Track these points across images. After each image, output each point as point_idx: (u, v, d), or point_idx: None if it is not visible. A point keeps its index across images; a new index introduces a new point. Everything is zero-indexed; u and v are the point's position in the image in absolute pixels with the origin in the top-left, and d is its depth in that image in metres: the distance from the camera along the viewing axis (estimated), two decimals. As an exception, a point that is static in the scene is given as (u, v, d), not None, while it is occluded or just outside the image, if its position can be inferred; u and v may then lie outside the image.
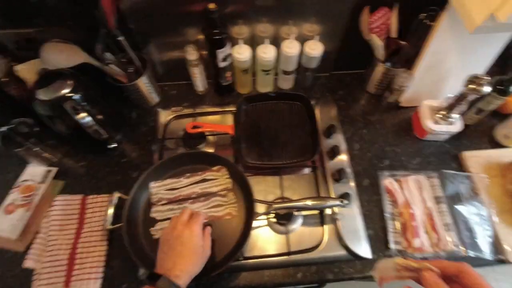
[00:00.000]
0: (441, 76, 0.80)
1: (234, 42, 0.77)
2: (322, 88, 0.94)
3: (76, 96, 0.67)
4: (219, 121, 0.85)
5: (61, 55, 0.70)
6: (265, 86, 0.90)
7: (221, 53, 0.74)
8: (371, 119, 0.88)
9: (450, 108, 0.76)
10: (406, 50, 0.81)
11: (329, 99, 0.89)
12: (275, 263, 0.68)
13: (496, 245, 0.70)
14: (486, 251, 0.68)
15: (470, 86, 0.68)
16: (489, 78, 0.67)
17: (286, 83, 0.91)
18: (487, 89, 0.67)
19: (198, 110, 0.87)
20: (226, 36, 0.72)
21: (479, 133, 0.86)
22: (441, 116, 0.78)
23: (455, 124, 0.79)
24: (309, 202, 0.64)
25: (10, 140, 0.72)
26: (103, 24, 0.64)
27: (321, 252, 0.68)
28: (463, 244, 0.69)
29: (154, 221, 0.68)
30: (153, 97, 0.88)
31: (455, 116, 0.78)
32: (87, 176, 0.79)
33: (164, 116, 0.86)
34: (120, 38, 0.70)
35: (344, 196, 0.72)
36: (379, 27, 0.74)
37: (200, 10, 0.67)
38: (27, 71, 0.73)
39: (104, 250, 0.68)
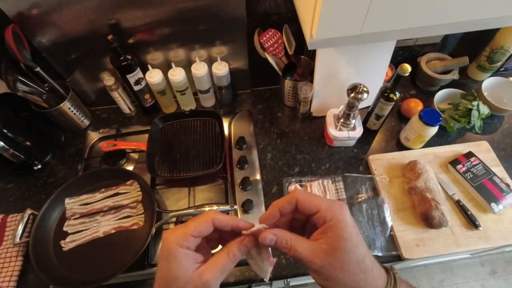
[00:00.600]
0: (341, 86, 0.86)
1: (147, 68, 0.85)
2: (243, 103, 1.01)
3: (-7, 123, 0.74)
4: (143, 140, 0.92)
5: (-18, 87, 0.77)
6: (187, 105, 0.97)
7: (131, 78, 0.82)
8: (285, 130, 0.94)
9: (344, 115, 0.82)
10: (306, 63, 0.88)
11: (245, 114, 0.96)
12: (180, 270, 0.71)
13: (392, 242, 0.74)
14: (379, 248, 0.72)
15: (351, 94, 0.74)
16: (365, 86, 0.73)
17: (208, 101, 0.98)
18: (365, 96, 0.73)
19: (124, 130, 0.94)
20: (133, 62, 0.80)
21: (389, 137, 0.92)
22: (341, 123, 0.84)
23: (356, 130, 0.85)
24: (192, 211, 0.69)
25: None
26: (12, 59, 0.72)
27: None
28: (358, 242, 0.73)
29: (66, 234, 0.73)
30: (83, 121, 0.94)
31: (353, 122, 0.84)
32: (13, 196, 0.84)
33: (92, 137, 0.93)
34: (37, 69, 0.78)
35: (246, 203, 0.77)
36: (272, 46, 0.82)
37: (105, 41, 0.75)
38: (-45, 103, 0.81)
39: (19, 265, 0.72)
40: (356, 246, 0.30)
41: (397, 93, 0.77)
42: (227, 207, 0.70)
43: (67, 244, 0.72)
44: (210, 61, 0.89)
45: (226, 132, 0.91)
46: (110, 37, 0.73)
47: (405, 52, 0.98)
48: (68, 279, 0.67)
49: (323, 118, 0.95)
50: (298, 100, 0.91)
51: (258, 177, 0.84)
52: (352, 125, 0.85)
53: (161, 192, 0.82)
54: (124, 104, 0.93)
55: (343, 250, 0.30)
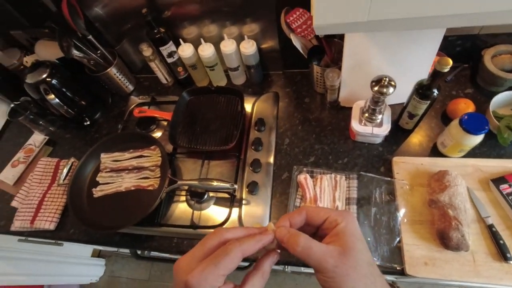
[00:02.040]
0: (372, 77, 0.78)
1: (180, 41, 0.89)
2: (272, 84, 0.99)
3: (53, 81, 0.87)
4: (171, 111, 0.98)
5: (49, 50, 0.92)
6: (218, 80, 0.99)
7: (164, 50, 0.87)
8: (309, 117, 0.91)
9: (369, 110, 0.75)
10: (339, 47, 0.82)
11: (271, 96, 0.94)
12: (183, 234, 0.79)
13: (398, 254, 0.68)
14: (379, 255, 0.67)
15: (375, 88, 0.67)
16: (392, 79, 0.65)
17: (238, 79, 0.99)
18: (391, 90, 0.65)
19: (159, 99, 1.02)
20: (166, 35, 0.84)
21: (425, 140, 0.82)
22: (366, 117, 0.77)
23: (382, 126, 0.77)
24: (196, 182, 0.73)
25: (17, 113, 0.98)
26: (69, 27, 0.83)
27: (222, 230, 0.76)
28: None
29: (97, 184, 0.85)
30: (128, 86, 1.05)
31: (380, 117, 0.76)
32: (68, 145, 1.01)
33: (132, 102, 1.04)
34: (89, 37, 0.89)
35: (251, 184, 0.78)
36: (300, 27, 0.77)
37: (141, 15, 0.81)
38: (30, 62, 0.98)
39: (63, 202, 0.88)
40: (367, 250, 0.31)
41: (434, 90, 0.66)
42: (227, 185, 0.72)
43: (97, 192, 0.84)
44: (241, 39, 0.89)
45: (248, 111, 0.92)
46: (144, 10, 0.78)
47: (466, 42, 0.82)
48: (92, 221, 0.79)
49: (350, 109, 0.88)
50: (325, 87, 0.85)
51: (271, 160, 0.84)
52: (378, 121, 0.77)
53: (180, 160, 0.89)
54: (161, 74, 1.00)
55: (357, 250, 0.30)
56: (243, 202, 0.78)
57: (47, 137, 1.02)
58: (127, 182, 0.84)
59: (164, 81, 1.04)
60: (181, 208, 0.82)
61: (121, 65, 1.00)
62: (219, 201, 0.81)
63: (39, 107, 0.99)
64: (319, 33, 0.49)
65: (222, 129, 0.88)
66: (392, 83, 0.66)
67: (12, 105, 0.96)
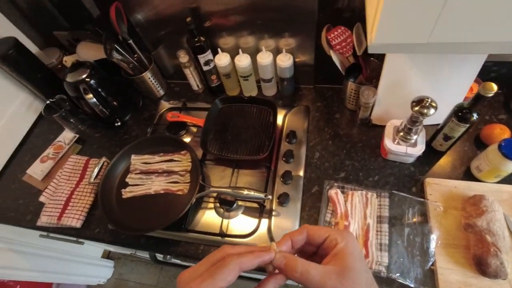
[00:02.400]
0: (409, 97, 0.79)
1: (217, 51, 0.91)
2: (302, 98, 1.00)
3: (91, 81, 0.90)
4: (203, 116, 1.00)
5: (90, 52, 0.95)
6: (249, 91, 1.01)
7: (202, 58, 0.89)
8: (340, 132, 0.91)
9: (405, 129, 0.75)
10: (375, 66, 0.83)
11: (302, 109, 0.95)
12: (209, 241, 0.78)
13: (431, 277, 0.67)
14: (413, 278, 0.66)
15: (415, 108, 0.67)
16: (434, 101, 0.66)
17: (269, 91, 1.00)
18: (431, 111, 0.66)
19: (190, 105, 1.03)
20: (205, 44, 0.86)
21: (457, 163, 0.81)
22: (400, 137, 0.78)
23: (417, 147, 0.77)
24: (237, 190, 0.73)
25: (52, 109, 1.00)
26: (112, 31, 0.85)
27: (251, 240, 0.76)
28: (390, 266, 0.68)
29: (127, 185, 0.86)
30: (159, 90, 1.07)
31: (414, 137, 0.76)
32: (97, 145, 1.02)
33: (162, 106, 1.05)
34: (130, 41, 0.91)
35: (282, 195, 0.78)
36: (340, 44, 0.78)
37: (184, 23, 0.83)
38: (70, 62, 1.00)
39: (91, 200, 0.89)
40: (366, 270, 0.31)
41: (474, 114, 0.67)
42: (262, 195, 0.72)
43: (126, 193, 0.85)
44: (277, 52, 0.91)
45: (279, 123, 0.93)
46: (188, 19, 0.80)
47: (502, 68, 0.83)
48: (121, 221, 0.79)
49: (382, 127, 0.89)
50: (359, 104, 0.86)
51: (301, 173, 0.84)
52: (412, 141, 0.77)
53: (209, 167, 0.90)
54: (193, 81, 1.02)
55: (355, 269, 0.30)
56: (273, 213, 0.78)
57: (77, 135, 1.04)
58: (157, 185, 0.84)
59: (195, 88, 1.06)
60: (209, 215, 0.82)
61: (156, 70, 1.02)
62: (247, 211, 0.81)
63: (73, 105, 1.01)
64: (373, 52, 0.50)
65: (254, 139, 0.88)
66: (433, 104, 0.66)
67: (48, 102, 0.99)
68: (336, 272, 0.30)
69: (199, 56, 0.89)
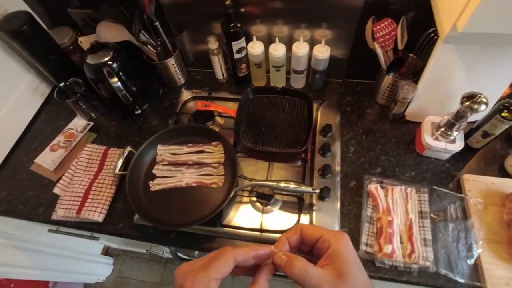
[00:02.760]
0: (448, 94, 0.79)
1: (250, 38, 0.87)
2: (332, 92, 0.98)
3: (114, 65, 0.83)
4: (230, 107, 0.95)
5: (111, 32, 0.87)
6: (278, 82, 0.98)
7: (235, 45, 0.85)
8: (373, 127, 0.90)
9: (448, 125, 0.75)
10: (413, 62, 0.82)
11: (334, 102, 0.94)
12: (247, 236, 0.75)
13: (476, 272, 0.67)
14: (461, 273, 0.66)
15: (466, 103, 0.67)
16: (485, 97, 0.66)
17: (298, 83, 0.98)
18: (482, 108, 0.66)
19: (214, 95, 0.99)
20: (241, 30, 0.82)
21: (490, 160, 0.83)
22: (440, 133, 0.78)
23: (456, 143, 0.77)
24: (281, 184, 0.70)
25: (64, 93, 0.92)
26: (142, 10, 0.79)
27: (290, 235, 0.73)
28: (436, 261, 0.68)
29: (154, 176, 0.81)
30: (180, 78, 1.01)
31: (455, 134, 0.76)
32: (114, 134, 0.95)
33: (185, 95, 1.00)
34: (156, 23, 0.85)
35: (324, 190, 0.76)
36: (383, 37, 0.77)
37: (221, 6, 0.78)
38: (86, 43, 0.93)
39: (112, 192, 0.82)
40: (361, 272, 0.32)
41: (522, 112, 0.67)
42: (309, 189, 0.70)
43: (154, 185, 0.79)
44: (311, 43, 0.88)
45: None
46: (228, 2, 0.76)
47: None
48: (151, 215, 0.74)
49: (415, 123, 0.89)
50: (395, 99, 0.85)
51: (337, 168, 0.82)
52: (452, 137, 0.77)
53: (240, 159, 0.85)
54: (219, 69, 0.97)
55: (351, 273, 0.31)
56: (314, 208, 0.76)
57: (91, 123, 0.96)
58: (188, 177, 0.80)
59: (219, 77, 1.01)
60: (243, 210, 0.79)
61: (179, 56, 0.97)
62: (284, 206, 0.78)
63: (87, 90, 0.93)
64: (448, 43, 0.49)
65: (289, 131, 0.85)
66: (484, 100, 0.66)
67: (61, 85, 0.90)
68: (333, 276, 0.30)
69: (233, 43, 0.84)
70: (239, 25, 0.82)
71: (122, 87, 0.82)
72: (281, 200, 0.79)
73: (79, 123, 0.97)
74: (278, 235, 0.74)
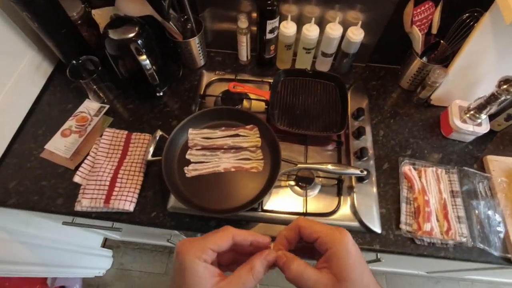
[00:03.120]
0: (476, 79, 0.83)
1: (282, 18, 0.84)
2: (356, 76, 0.98)
3: (139, 41, 0.76)
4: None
5: (132, 5, 0.79)
6: (303, 65, 0.95)
7: (270, 24, 0.81)
8: (399, 111, 0.92)
9: (479, 108, 0.78)
10: (445, 47, 0.84)
11: (361, 86, 0.94)
12: (290, 221, 0.73)
13: (506, 245, 0.72)
14: (494, 246, 0.71)
15: (503, 86, 0.70)
16: (524, 81, 0.69)
17: (324, 66, 0.96)
18: (519, 91, 0.69)
19: (239, 77, 0.95)
20: (277, 9, 0.79)
21: (507, 141, 0.88)
22: (469, 116, 0.81)
23: (482, 126, 0.82)
24: (330, 167, 0.70)
25: (76, 72, 0.83)
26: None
27: (334, 219, 0.74)
28: (472, 236, 0.72)
29: (188, 162, 0.76)
30: (201, 59, 0.96)
31: (483, 117, 0.80)
32: (133, 117, 0.88)
33: (208, 77, 0.95)
34: (185, -2, 0.79)
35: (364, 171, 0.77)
36: (421, 20, 0.78)
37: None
38: (101, 16, 0.83)
39: (141, 180, 0.77)
40: (361, 274, 0.30)
41: (549, 95, 0.72)
42: (357, 171, 0.70)
43: (190, 171, 0.75)
44: (343, 25, 0.86)
45: (341, 100, 0.90)
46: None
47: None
48: (192, 202, 0.70)
49: (438, 108, 0.92)
50: (423, 84, 0.87)
51: (370, 151, 0.83)
52: (479, 120, 0.81)
53: (273, 144, 0.83)
54: (245, 50, 0.93)
55: (350, 279, 0.29)
56: (354, 189, 0.76)
57: (106, 106, 0.88)
58: (225, 162, 0.76)
59: (243, 59, 0.96)
60: (283, 194, 0.77)
61: (203, 36, 0.91)
62: (324, 189, 0.78)
63: (102, 69, 0.85)
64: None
65: (324, 114, 0.85)
66: (521, 84, 0.70)
67: (74, 62, 0.81)
68: (331, 280, 0.29)
69: (268, 22, 0.80)
70: (276, 2, 0.78)
71: (151, 65, 0.75)
72: (319, 184, 0.78)
73: (91, 106, 0.88)
74: (322, 218, 0.74)
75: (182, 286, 0.28)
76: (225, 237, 0.31)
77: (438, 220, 0.74)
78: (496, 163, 0.83)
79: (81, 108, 0.88)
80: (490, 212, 0.75)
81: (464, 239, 0.71)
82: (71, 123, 0.85)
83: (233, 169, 0.76)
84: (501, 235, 0.73)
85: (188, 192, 0.73)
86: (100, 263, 1.45)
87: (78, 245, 1.26)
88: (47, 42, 0.81)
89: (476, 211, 0.75)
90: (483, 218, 0.74)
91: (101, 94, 0.89)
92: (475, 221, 0.74)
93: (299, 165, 0.72)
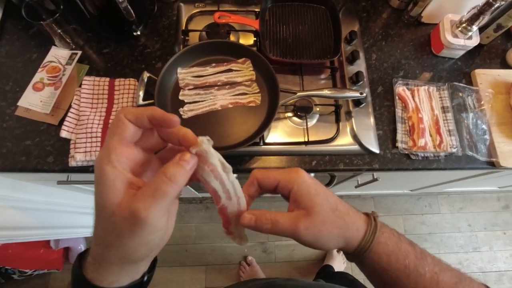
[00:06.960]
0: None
1: None
2: (344, -3, 0.92)
3: (105, -32, 0.65)
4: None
5: None
6: (289, -11, 0.88)
7: None
8: (390, 33, 0.90)
9: (472, 19, 0.77)
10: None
11: (351, 8, 0.89)
12: (293, 151, 0.75)
13: (490, 150, 0.78)
14: (481, 153, 0.77)
15: (498, -8, 0.69)
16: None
17: (309, -11, 0.89)
18: (514, -4, 0.68)
19: (222, 8, 0.86)
20: None
21: (493, 55, 0.90)
22: (461, 29, 0.80)
23: (472, 39, 0.82)
24: (330, 92, 0.69)
25: (35, 12, 0.72)
26: None
27: (335, 144, 0.75)
28: (462, 145, 0.77)
29: (183, 103, 0.72)
30: (175, -9, 0.85)
31: (474, 29, 0.80)
32: (111, 62, 0.80)
33: (187, 10, 0.85)
34: None
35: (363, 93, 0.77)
36: None
37: None
38: None
39: (133, 128, 0.73)
40: (325, 198, 0.33)
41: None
42: (356, 93, 0.70)
43: (186, 112, 0.72)
44: None
45: (331, 24, 0.86)
46: None
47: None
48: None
49: (428, 26, 0.91)
50: (415, 0, 0.84)
51: (365, 74, 0.82)
52: (470, 33, 0.81)
53: (267, 77, 0.80)
54: (225, -24, 0.83)
55: (316, 205, 0.32)
56: (352, 114, 0.77)
57: (78, 52, 0.79)
58: (221, 99, 0.73)
59: (223, -14, 0.87)
60: (282, 126, 0.77)
61: (174, -40, 0.79)
62: (322, 118, 0.78)
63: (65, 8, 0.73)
64: None
65: (317, 41, 0.81)
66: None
67: (28, 1, 0.70)
68: (303, 214, 0.32)
69: None
70: None
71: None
72: (317, 113, 0.78)
73: (60, 54, 0.79)
74: (324, 145, 0.75)
75: (96, 199, 0.26)
76: (121, 122, 0.27)
77: (431, 135, 0.78)
78: (483, 76, 0.85)
79: (48, 57, 0.78)
80: (478, 122, 0.80)
81: (454, 150, 0.76)
82: (41, 75, 0.76)
83: (230, 106, 0.73)
84: (487, 143, 0.79)
85: (188, 134, 0.70)
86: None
87: (74, 206, 1.24)
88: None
89: (466, 123, 0.79)
90: (472, 128, 0.79)
91: (68, 40, 0.78)
92: (464, 132, 0.79)
93: (298, 93, 0.70)
